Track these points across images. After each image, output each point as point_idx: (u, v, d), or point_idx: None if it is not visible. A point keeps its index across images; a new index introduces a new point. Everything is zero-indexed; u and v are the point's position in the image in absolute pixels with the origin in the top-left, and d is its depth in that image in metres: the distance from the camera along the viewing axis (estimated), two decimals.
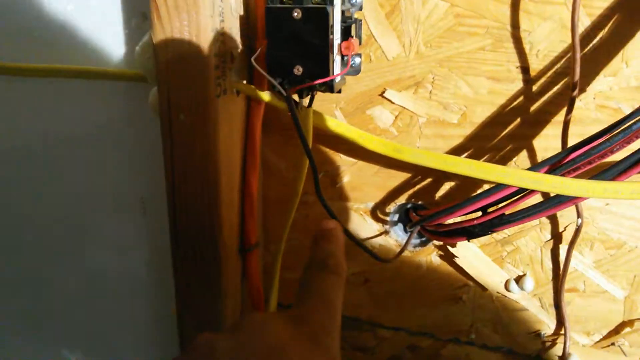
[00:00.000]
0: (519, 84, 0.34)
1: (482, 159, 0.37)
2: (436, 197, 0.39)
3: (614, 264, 0.36)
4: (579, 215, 0.35)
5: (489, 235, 0.38)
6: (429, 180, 0.39)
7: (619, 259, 0.36)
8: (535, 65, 0.34)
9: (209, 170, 0.34)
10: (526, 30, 0.33)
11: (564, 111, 0.34)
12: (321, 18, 0.31)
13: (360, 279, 0.43)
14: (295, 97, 0.34)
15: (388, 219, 0.41)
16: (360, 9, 0.35)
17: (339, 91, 0.36)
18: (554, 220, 0.37)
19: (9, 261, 0.48)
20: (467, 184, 0.38)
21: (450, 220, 0.37)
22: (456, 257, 0.39)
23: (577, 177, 0.29)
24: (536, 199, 0.32)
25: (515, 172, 0.30)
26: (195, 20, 0.31)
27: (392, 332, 0.44)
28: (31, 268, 0.48)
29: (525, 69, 0.34)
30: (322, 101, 0.39)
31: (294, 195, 0.36)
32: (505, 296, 0.40)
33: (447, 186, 0.38)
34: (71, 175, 0.42)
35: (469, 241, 0.38)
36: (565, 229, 0.37)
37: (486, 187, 0.37)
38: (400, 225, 0.41)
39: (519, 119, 0.35)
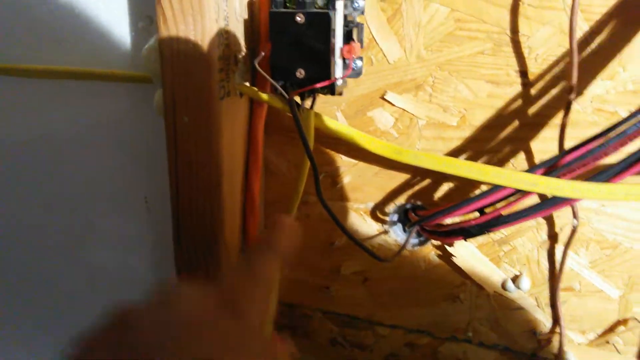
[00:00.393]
0: (517, 88, 0.35)
1: (481, 161, 0.37)
2: (435, 197, 0.40)
3: (609, 264, 0.37)
4: (574, 216, 0.35)
5: (487, 235, 0.39)
6: (428, 181, 0.39)
7: (614, 259, 0.37)
8: (534, 69, 0.35)
9: (211, 171, 0.35)
10: (525, 35, 0.34)
11: (561, 114, 0.34)
12: (323, 22, 0.31)
13: (359, 278, 0.44)
14: (298, 99, 0.34)
15: (388, 219, 0.41)
16: (363, 13, 0.36)
17: (341, 94, 0.37)
18: (550, 221, 0.38)
19: (11, 260, 0.49)
20: (465, 185, 0.38)
21: (448, 221, 0.38)
22: (454, 256, 0.40)
23: (572, 179, 0.30)
24: (533, 200, 0.33)
25: (511, 174, 0.30)
26: (200, 24, 0.32)
27: (390, 330, 0.45)
28: (34, 267, 0.49)
29: (524, 72, 0.35)
30: (324, 103, 0.39)
31: (294, 196, 0.37)
32: (502, 295, 0.40)
33: (445, 187, 0.39)
34: (76, 175, 0.43)
35: (466, 241, 0.39)
36: (561, 230, 0.37)
37: (484, 188, 0.37)
38: (399, 225, 0.42)
39: (517, 122, 0.36)
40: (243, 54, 0.36)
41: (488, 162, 0.37)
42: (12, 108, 0.42)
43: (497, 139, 0.37)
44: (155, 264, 0.46)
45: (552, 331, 0.40)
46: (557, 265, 0.38)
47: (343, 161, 0.41)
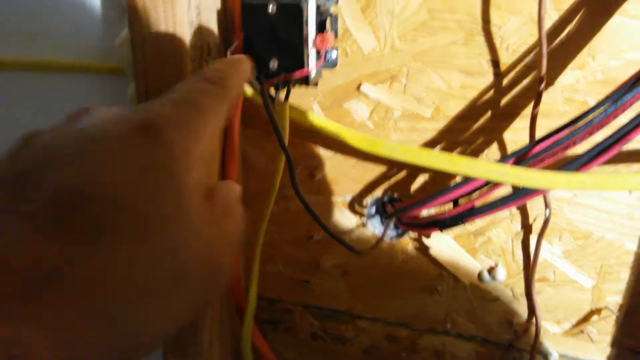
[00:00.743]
0: (489, 78, 0.35)
1: (455, 152, 0.38)
2: (411, 189, 0.40)
3: (582, 254, 0.37)
4: (547, 206, 0.36)
5: (462, 227, 0.39)
6: (404, 173, 0.40)
7: (587, 249, 0.37)
8: (506, 59, 0.35)
9: None
10: (497, 25, 0.34)
11: (532, 104, 0.35)
12: (296, 13, 0.31)
13: (339, 271, 0.44)
14: (273, 91, 0.34)
15: (365, 211, 0.42)
16: (337, 3, 0.36)
17: (316, 84, 0.37)
18: (524, 212, 0.38)
19: None
20: (441, 176, 0.38)
21: (424, 212, 0.38)
22: (430, 248, 0.40)
23: (543, 168, 0.30)
24: (506, 190, 0.33)
25: (482, 165, 0.31)
26: (171, 14, 0.32)
27: (370, 323, 0.45)
28: None
29: (495, 62, 0.35)
30: (300, 95, 0.39)
31: (271, 189, 0.37)
32: (479, 286, 0.41)
33: (421, 179, 0.39)
34: None
35: (442, 232, 0.39)
36: (534, 220, 0.38)
37: (459, 179, 0.37)
38: (377, 217, 0.42)
39: (489, 112, 0.36)
40: (216, 43, 0.36)
41: (462, 153, 0.37)
42: None
43: (470, 129, 0.37)
44: None
45: (528, 321, 0.41)
46: (532, 255, 0.38)
47: (320, 153, 0.41)
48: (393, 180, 0.40)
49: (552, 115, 0.35)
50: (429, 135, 0.38)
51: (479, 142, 0.37)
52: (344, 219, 0.42)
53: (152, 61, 0.33)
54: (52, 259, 0.15)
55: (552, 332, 0.40)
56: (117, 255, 0.16)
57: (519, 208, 0.38)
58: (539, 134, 0.34)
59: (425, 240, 0.40)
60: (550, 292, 0.39)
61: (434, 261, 0.41)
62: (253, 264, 0.37)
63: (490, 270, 0.40)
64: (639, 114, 0.27)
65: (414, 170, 0.39)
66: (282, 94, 0.34)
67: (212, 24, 0.35)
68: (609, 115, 0.27)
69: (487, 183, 0.33)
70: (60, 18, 0.38)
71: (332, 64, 0.37)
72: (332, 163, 0.41)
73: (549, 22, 0.33)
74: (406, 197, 0.40)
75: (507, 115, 0.36)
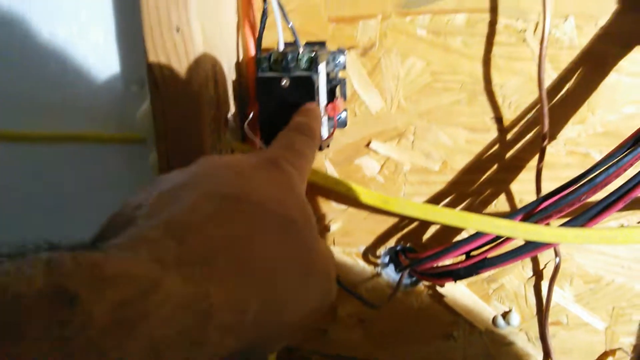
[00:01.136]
0: (494, 133, 0.37)
1: (464, 203, 0.39)
2: (423, 239, 0.41)
3: (593, 297, 0.38)
4: (556, 254, 0.37)
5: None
6: (415, 223, 0.41)
7: (598, 292, 0.38)
8: (508, 116, 0.36)
9: None
10: (498, 84, 0.36)
11: (537, 157, 0.36)
12: (308, 84, 0.33)
13: (355, 320, 0.45)
14: None
15: (379, 261, 0.43)
16: (344, 68, 0.38)
17: (328, 146, 0.38)
18: (534, 258, 0.39)
19: None
20: (451, 227, 0.40)
21: (438, 264, 0.39)
22: (445, 296, 0.41)
23: (551, 223, 0.32)
24: (517, 241, 0.35)
25: (491, 221, 0.32)
26: (190, 89, 0.34)
27: None
28: None
29: (499, 119, 0.37)
30: None
31: None
32: (494, 331, 0.42)
33: (433, 229, 0.41)
34: (77, 236, 0.44)
35: (455, 282, 0.40)
36: (545, 266, 0.39)
37: (470, 230, 0.39)
38: (391, 266, 0.43)
39: (496, 165, 0.38)
40: (232, 112, 0.38)
41: (471, 204, 0.39)
42: (11, 173, 0.43)
43: (478, 182, 0.38)
44: None
45: None
46: (544, 300, 0.39)
47: (333, 207, 0.42)
48: (405, 230, 0.42)
49: (557, 167, 0.36)
50: (439, 187, 0.39)
51: (487, 194, 0.38)
52: (359, 269, 0.43)
53: (172, 135, 0.35)
54: (220, 237, 0.18)
55: None
56: (265, 240, 0.19)
57: None
58: (545, 185, 0.36)
59: (438, 288, 0.42)
60: (564, 335, 0.40)
61: (449, 308, 0.42)
62: None
63: (505, 316, 0.41)
64: (637, 173, 0.28)
65: (425, 221, 0.41)
66: None
67: (229, 95, 0.37)
68: (611, 175, 0.29)
69: (498, 237, 0.34)
70: (83, 91, 0.40)
71: (342, 124, 0.39)
72: (345, 216, 0.42)
73: (548, 81, 0.35)
74: (419, 246, 0.41)
75: (513, 168, 0.37)
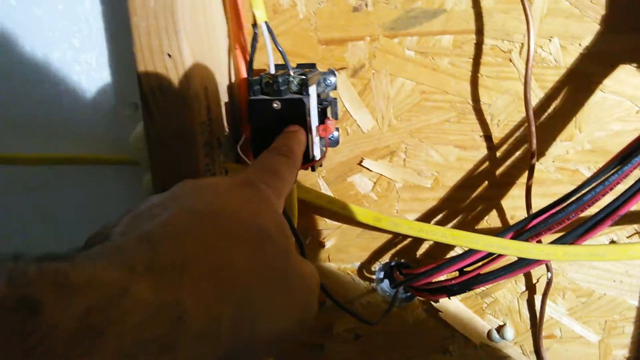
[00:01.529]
0: (483, 151, 0.38)
1: (457, 219, 0.39)
2: (417, 254, 0.41)
3: (586, 311, 0.39)
4: (548, 269, 0.37)
5: None
6: (409, 239, 0.41)
7: (590, 305, 0.39)
8: (497, 134, 0.37)
9: None
10: (486, 103, 0.37)
11: (526, 173, 0.37)
12: (298, 108, 0.34)
13: (351, 335, 0.45)
14: None
15: (374, 276, 0.43)
16: (335, 88, 0.38)
17: (320, 165, 0.39)
18: (527, 273, 0.39)
19: None
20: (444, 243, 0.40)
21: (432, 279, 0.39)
22: (440, 311, 0.42)
23: (540, 240, 0.32)
24: (509, 258, 0.35)
25: (483, 239, 0.32)
26: (183, 114, 0.34)
27: None
28: None
29: (488, 137, 0.37)
30: (306, 172, 0.41)
31: None
32: (489, 345, 0.42)
33: (426, 244, 0.41)
34: None
35: (449, 298, 0.41)
36: (538, 281, 0.39)
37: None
38: (386, 281, 0.43)
39: (486, 182, 0.38)
40: (226, 133, 0.38)
41: (463, 220, 0.39)
42: (3, 195, 0.43)
43: (469, 198, 0.39)
44: None
45: None
46: (538, 314, 0.39)
47: (327, 224, 0.43)
48: (399, 245, 0.42)
49: (546, 183, 0.37)
50: (431, 204, 0.40)
51: (479, 210, 0.39)
52: (353, 284, 0.44)
53: (166, 155, 0.35)
54: (193, 246, 0.18)
55: None
56: (240, 250, 0.19)
57: None
58: (535, 201, 0.36)
59: (433, 303, 0.42)
60: (558, 348, 0.40)
61: (444, 322, 0.42)
62: None
63: (499, 330, 0.41)
64: (624, 191, 0.29)
65: (417, 237, 0.41)
66: None
67: (221, 117, 0.37)
68: (598, 194, 0.29)
69: (490, 253, 0.34)
70: (77, 115, 0.40)
71: (335, 143, 0.40)
72: (339, 233, 0.43)
73: (535, 100, 0.36)
74: (413, 260, 0.42)
75: (503, 185, 0.38)
